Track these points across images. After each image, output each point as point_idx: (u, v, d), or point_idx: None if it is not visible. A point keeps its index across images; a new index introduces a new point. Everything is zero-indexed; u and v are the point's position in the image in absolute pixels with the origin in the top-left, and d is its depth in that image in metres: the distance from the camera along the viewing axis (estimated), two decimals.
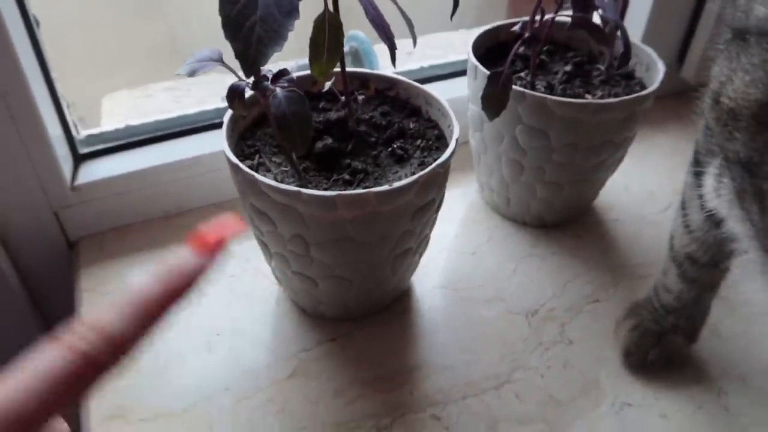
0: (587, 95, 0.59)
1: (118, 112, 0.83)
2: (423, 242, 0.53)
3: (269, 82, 0.43)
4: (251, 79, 0.44)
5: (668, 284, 0.50)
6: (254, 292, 0.59)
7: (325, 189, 0.49)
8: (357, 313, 0.56)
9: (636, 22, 0.82)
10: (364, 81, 0.58)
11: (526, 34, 0.54)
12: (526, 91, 0.55)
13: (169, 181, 0.65)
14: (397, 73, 0.78)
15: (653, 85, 0.57)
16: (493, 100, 0.53)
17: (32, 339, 0.63)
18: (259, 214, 0.47)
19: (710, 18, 0.83)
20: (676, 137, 0.82)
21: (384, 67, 1.10)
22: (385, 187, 0.43)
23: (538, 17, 0.54)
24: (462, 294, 0.60)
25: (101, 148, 0.64)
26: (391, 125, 0.55)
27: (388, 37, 0.38)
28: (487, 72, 0.54)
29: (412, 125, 0.55)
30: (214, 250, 0.23)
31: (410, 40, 0.47)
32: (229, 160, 0.46)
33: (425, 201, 0.48)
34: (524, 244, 0.65)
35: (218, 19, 0.34)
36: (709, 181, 0.42)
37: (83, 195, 0.61)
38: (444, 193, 0.51)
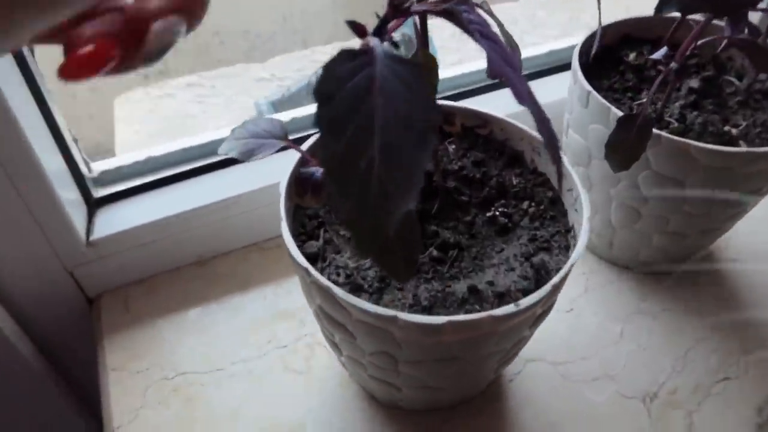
0: (728, 127, 0.47)
1: (134, 118, 0.71)
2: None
3: None
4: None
5: None
6: (312, 371, 0.49)
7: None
8: (441, 406, 0.46)
9: None
10: (448, 115, 0.46)
11: (673, 65, 0.40)
12: (663, 134, 0.42)
13: (201, 226, 0.54)
14: (465, 75, 0.66)
15: None
16: (624, 150, 0.41)
17: (57, 413, 0.53)
18: (333, 322, 0.36)
19: None
20: None
21: (439, 49, 0.95)
22: (511, 308, 0.32)
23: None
24: (561, 370, 0.50)
25: (119, 190, 0.52)
26: (488, 179, 0.43)
27: (552, 139, 0.25)
28: (618, 112, 0.41)
29: (515, 180, 0.43)
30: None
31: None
32: (293, 259, 0.35)
33: (549, 305, 0.37)
34: (629, 297, 0.55)
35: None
36: None
37: (101, 250, 0.51)
38: None
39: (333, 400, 0.48)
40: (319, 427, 0.46)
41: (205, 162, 0.55)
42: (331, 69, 0.20)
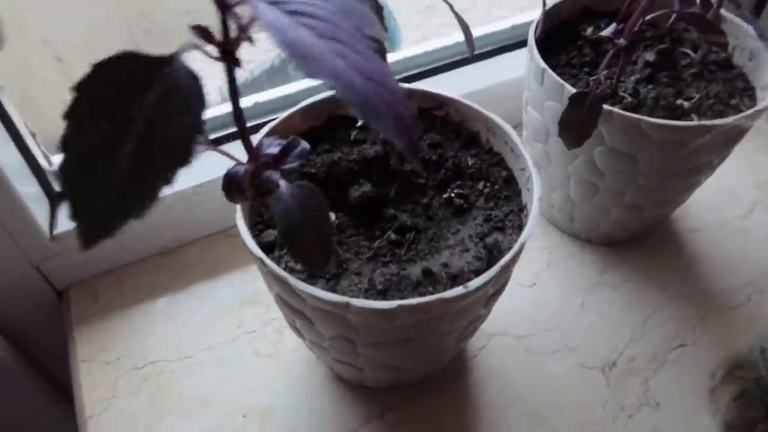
0: (680, 100, 0.47)
1: None
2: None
3: (272, 170, 0.31)
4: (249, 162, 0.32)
5: None
6: (281, 355, 0.50)
7: (369, 259, 0.39)
8: (406, 383, 0.48)
9: None
10: None
11: (622, 41, 0.41)
12: (615, 110, 0.43)
13: (164, 215, 0.54)
14: (423, 54, 0.65)
15: None
16: (576, 127, 0.42)
17: (34, 405, 0.53)
18: (292, 309, 0.37)
19: None
20: None
21: (403, 24, 0.94)
22: (459, 290, 0.33)
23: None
24: (524, 343, 0.51)
25: None
26: (444, 161, 0.43)
27: (410, 138, 0.22)
28: (571, 89, 0.42)
29: (470, 161, 0.43)
30: None
31: None
32: (248, 249, 0.36)
33: (501, 284, 0.38)
34: (591, 270, 0.56)
35: None
36: None
37: (66, 243, 0.51)
38: None
39: (301, 383, 0.49)
40: (289, 410, 0.47)
41: None
42: (103, 68, 0.20)
